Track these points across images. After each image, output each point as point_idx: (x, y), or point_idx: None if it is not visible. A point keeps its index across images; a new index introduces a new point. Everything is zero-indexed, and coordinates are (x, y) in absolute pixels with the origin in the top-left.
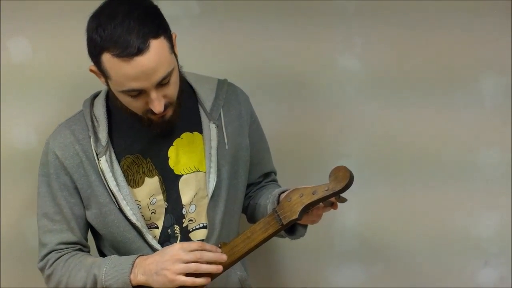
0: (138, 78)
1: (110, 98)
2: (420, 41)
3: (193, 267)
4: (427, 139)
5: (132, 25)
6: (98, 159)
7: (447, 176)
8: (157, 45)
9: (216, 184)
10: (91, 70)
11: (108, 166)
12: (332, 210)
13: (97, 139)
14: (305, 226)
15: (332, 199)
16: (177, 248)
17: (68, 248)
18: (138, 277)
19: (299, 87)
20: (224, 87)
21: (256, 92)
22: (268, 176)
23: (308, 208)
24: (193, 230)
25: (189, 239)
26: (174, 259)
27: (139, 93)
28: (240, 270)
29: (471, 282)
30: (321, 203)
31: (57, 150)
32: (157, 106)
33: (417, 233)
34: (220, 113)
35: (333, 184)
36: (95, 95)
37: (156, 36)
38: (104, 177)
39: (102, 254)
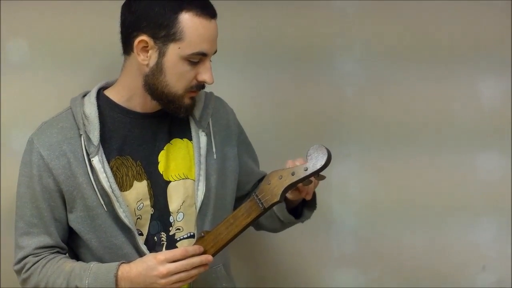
0: (209, 40)
1: (100, 97)
2: (419, 41)
3: (184, 276)
4: (425, 141)
5: None
6: (90, 159)
7: (445, 179)
8: None
9: (204, 193)
10: (141, 42)
11: (101, 166)
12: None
13: (88, 138)
14: (311, 209)
15: (311, 178)
16: (163, 261)
17: (45, 251)
18: None
19: (298, 86)
20: (212, 97)
21: (255, 91)
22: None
23: (288, 190)
24: (180, 240)
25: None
26: (162, 274)
27: (199, 60)
28: (226, 281)
29: (470, 286)
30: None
31: (42, 150)
32: (211, 75)
33: (415, 236)
34: (209, 122)
35: (312, 164)
36: (84, 94)
37: None
38: (98, 178)
39: (76, 258)
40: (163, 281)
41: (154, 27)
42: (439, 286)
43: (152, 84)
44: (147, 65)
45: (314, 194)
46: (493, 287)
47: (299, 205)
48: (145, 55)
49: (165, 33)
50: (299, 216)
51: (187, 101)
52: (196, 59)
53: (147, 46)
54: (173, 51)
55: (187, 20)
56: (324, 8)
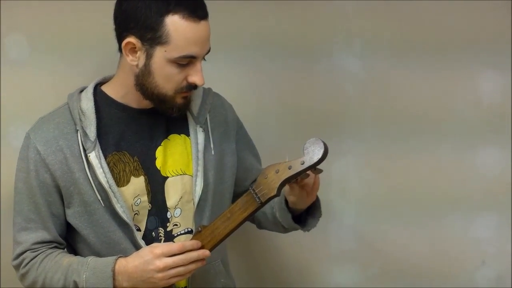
0: (198, 42)
1: (97, 92)
2: (419, 38)
3: (182, 271)
4: (425, 137)
5: None
6: (87, 154)
7: (445, 174)
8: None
9: (202, 189)
10: (128, 43)
11: (98, 162)
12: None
13: (84, 134)
14: (316, 218)
15: (308, 172)
16: (159, 255)
17: (43, 246)
18: (124, 284)
19: (298, 83)
20: (210, 93)
21: (255, 87)
22: None
23: (285, 184)
24: (178, 235)
25: None
26: (159, 268)
27: (188, 62)
28: (225, 277)
29: (469, 283)
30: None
31: (39, 145)
32: (202, 77)
33: (415, 233)
34: (206, 118)
35: (309, 157)
36: (81, 90)
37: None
38: (94, 173)
39: (74, 253)
40: (160, 275)
41: (141, 28)
42: (438, 282)
43: (142, 85)
44: (137, 65)
45: (318, 201)
46: (492, 283)
47: (303, 213)
48: (134, 56)
49: (151, 35)
50: (303, 224)
51: (179, 100)
52: (185, 61)
53: (135, 47)
54: (160, 54)
55: (174, 23)
56: (324, 5)
